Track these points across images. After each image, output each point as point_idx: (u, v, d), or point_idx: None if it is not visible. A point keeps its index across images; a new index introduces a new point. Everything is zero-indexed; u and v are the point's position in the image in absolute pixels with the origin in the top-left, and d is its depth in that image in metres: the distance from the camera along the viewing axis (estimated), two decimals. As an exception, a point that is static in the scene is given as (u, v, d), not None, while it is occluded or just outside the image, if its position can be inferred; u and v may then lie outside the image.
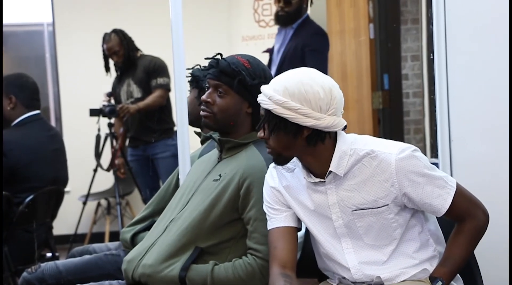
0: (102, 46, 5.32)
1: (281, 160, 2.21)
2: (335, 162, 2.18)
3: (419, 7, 5.52)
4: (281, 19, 4.59)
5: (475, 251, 2.33)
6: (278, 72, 4.40)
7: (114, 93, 5.41)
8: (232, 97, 2.49)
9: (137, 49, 5.32)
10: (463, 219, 2.23)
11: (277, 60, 4.57)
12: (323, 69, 4.49)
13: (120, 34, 5.26)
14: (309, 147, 2.17)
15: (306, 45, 4.46)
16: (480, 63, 3.02)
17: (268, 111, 2.14)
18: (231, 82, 2.46)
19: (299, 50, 4.47)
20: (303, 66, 4.22)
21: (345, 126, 2.19)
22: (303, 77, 2.16)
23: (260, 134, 2.19)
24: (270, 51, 4.73)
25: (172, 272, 2.38)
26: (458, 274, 2.28)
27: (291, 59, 4.45)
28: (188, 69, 2.94)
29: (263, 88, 2.17)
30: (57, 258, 4.10)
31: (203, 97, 2.51)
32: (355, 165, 2.18)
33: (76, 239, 5.75)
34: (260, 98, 2.16)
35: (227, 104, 2.49)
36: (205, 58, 2.56)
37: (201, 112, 2.53)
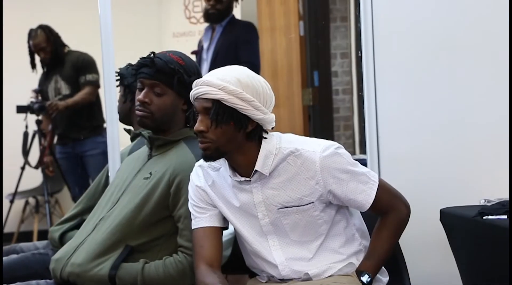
0: (28, 42, 5.21)
1: (216, 155, 2.18)
2: (261, 162, 2.18)
3: (348, 5, 5.59)
4: (212, 17, 4.61)
5: (401, 246, 2.37)
6: (212, 67, 4.42)
7: (41, 90, 5.31)
8: (170, 95, 2.47)
9: (64, 45, 5.23)
10: (386, 213, 2.27)
11: (208, 58, 4.58)
12: (257, 59, 4.56)
13: (46, 30, 5.16)
14: (247, 142, 2.17)
15: (238, 38, 4.50)
16: (406, 61, 3.07)
17: (217, 102, 2.11)
18: (170, 81, 2.45)
19: (231, 44, 4.50)
20: (236, 60, 4.31)
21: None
22: (249, 72, 2.18)
23: (200, 127, 2.14)
24: (197, 52, 4.74)
25: (101, 271, 2.36)
26: (383, 267, 2.32)
27: (224, 54, 4.48)
28: (120, 68, 2.90)
29: (208, 79, 2.13)
30: (-18, 258, 4.00)
31: (140, 97, 2.47)
32: (280, 164, 2.20)
33: (3, 238, 5.62)
34: (205, 90, 2.12)
35: (165, 103, 2.47)
36: (140, 58, 2.50)
37: (138, 112, 2.49)
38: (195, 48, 4.86)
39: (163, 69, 2.44)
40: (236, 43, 4.49)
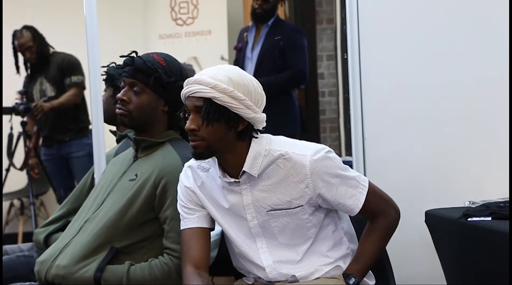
0: (13, 43, 5.19)
1: (207, 153, 2.18)
2: (249, 163, 2.18)
3: (334, 7, 5.61)
4: (258, 16, 4.64)
5: (387, 248, 2.38)
6: (257, 68, 4.46)
7: (26, 92, 5.29)
8: (148, 95, 2.47)
9: (49, 46, 5.21)
10: (375, 217, 2.27)
11: (254, 57, 4.61)
12: (305, 65, 4.59)
13: (32, 30, 5.15)
14: (238, 142, 2.17)
15: (287, 42, 4.53)
16: (392, 63, 3.09)
17: (208, 100, 2.11)
18: (146, 80, 2.45)
19: (279, 47, 4.52)
20: (282, 62, 4.34)
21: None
22: (240, 71, 2.19)
23: (191, 125, 2.14)
24: (239, 48, 4.75)
25: (87, 273, 2.35)
26: (370, 271, 2.33)
27: (271, 56, 4.52)
28: (103, 67, 2.90)
29: (199, 78, 2.13)
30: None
31: (119, 95, 2.49)
32: (269, 166, 2.20)
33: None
34: (197, 88, 2.12)
35: (142, 102, 2.47)
36: (120, 56, 2.53)
37: (117, 110, 2.51)
38: (181, 49, 4.88)
39: (141, 68, 2.45)
40: (285, 47, 4.52)
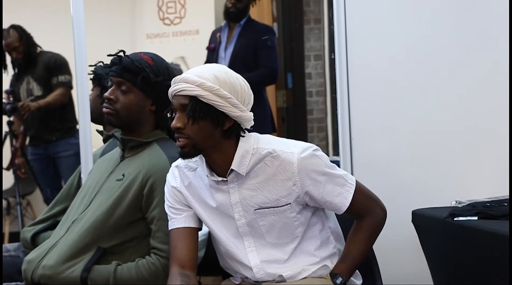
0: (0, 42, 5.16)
1: (193, 152, 2.18)
2: (237, 161, 2.18)
3: (321, 7, 5.61)
4: (231, 15, 4.66)
5: (374, 248, 2.39)
6: (230, 66, 4.46)
7: (13, 91, 5.26)
8: (136, 94, 2.47)
9: (36, 46, 5.19)
10: (362, 216, 2.28)
11: (227, 56, 4.64)
12: (276, 65, 4.63)
13: (19, 30, 5.12)
14: (224, 140, 2.17)
15: (258, 42, 4.57)
16: (379, 63, 3.09)
17: (194, 98, 2.11)
18: (134, 79, 2.45)
19: (251, 47, 4.56)
20: (255, 62, 4.33)
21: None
22: (227, 69, 2.19)
23: (177, 124, 2.14)
24: (212, 48, 4.77)
25: (73, 273, 2.35)
26: (357, 270, 2.33)
27: (243, 56, 4.55)
28: (91, 65, 2.90)
29: (185, 76, 2.14)
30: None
31: (106, 94, 2.49)
32: (257, 164, 2.20)
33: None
34: (183, 86, 2.12)
35: (130, 101, 2.47)
36: (108, 55, 2.53)
37: (104, 109, 2.50)
38: (169, 49, 4.88)
39: (129, 67, 2.45)
40: (256, 46, 4.55)
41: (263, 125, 4.54)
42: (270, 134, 4.37)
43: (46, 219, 2.90)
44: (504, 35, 2.94)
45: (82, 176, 2.91)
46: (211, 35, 4.88)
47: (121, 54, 2.50)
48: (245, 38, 4.60)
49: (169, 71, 2.51)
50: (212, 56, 4.74)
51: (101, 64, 2.80)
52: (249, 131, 2.25)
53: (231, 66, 4.43)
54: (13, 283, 2.59)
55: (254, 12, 5.38)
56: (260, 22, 4.92)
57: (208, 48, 4.82)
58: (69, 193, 2.92)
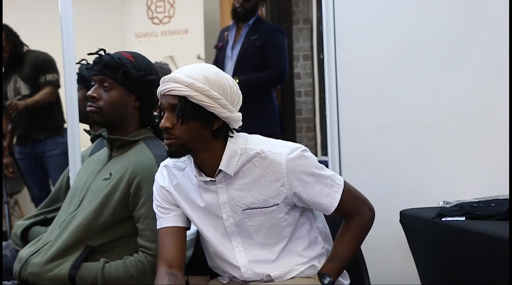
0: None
1: (181, 151, 2.17)
2: (225, 161, 2.18)
3: (310, 7, 5.61)
4: (239, 15, 4.62)
5: (362, 248, 2.39)
6: (237, 66, 4.46)
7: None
8: (118, 90, 2.47)
9: (23, 44, 5.17)
10: (351, 216, 2.28)
11: (234, 55, 4.60)
12: (285, 65, 4.58)
13: (5, 29, 5.09)
14: (213, 140, 2.17)
15: (268, 42, 4.53)
16: (368, 63, 3.10)
17: (183, 98, 2.11)
18: (115, 75, 2.45)
19: (260, 47, 4.52)
20: (262, 61, 4.33)
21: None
22: (216, 69, 2.18)
23: (165, 123, 2.14)
24: (219, 47, 4.75)
25: (61, 271, 2.36)
26: (345, 270, 2.34)
27: (250, 54, 4.52)
28: (77, 63, 2.89)
29: (175, 76, 2.13)
30: None
31: (89, 92, 2.49)
32: (245, 165, 2.20)
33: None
34: (172, 86, 2.11)
35: (112, 98, 2.47)
36: (88, 54, 2.52)
37: (88, 108, 2.50)
38: (158, 48, 4.86)
39: (109, 64, 2.45)
40: (265, 46, 4.51)
41: (271, 125, 4.54)
42: (278, 134, 4.39)
43: (37, 216, 2.91)
44: (491, 31, 2.96)
45: (70, 175, 2.91)
46: (220, 33, 4.84)
47: (102, 52, 2.49)
48: (252, 38, 4.57)
49: (150, 67, 2.51)
50: (219, 55, 4.73)
51: (85, 61, 2.80)
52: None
53: (238, 65, 4.46)
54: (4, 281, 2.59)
55: (243, 12, 5.38)
56: (269, 22, 4.90)
57: (215, 47, 4.80)
58: (58, 195, 2.95)
